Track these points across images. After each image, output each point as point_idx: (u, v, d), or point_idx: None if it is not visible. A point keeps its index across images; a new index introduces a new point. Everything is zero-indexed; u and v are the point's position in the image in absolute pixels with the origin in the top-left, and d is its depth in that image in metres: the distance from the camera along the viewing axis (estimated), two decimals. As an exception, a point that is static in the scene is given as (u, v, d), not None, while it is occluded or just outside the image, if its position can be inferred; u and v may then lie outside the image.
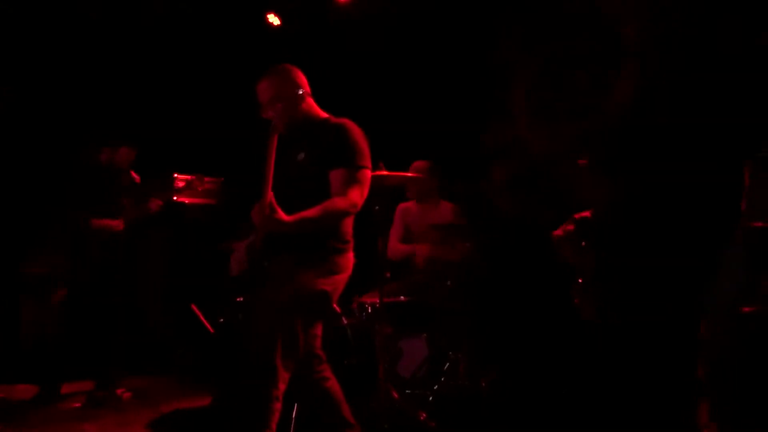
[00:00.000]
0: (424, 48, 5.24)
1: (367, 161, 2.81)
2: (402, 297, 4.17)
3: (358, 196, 2.73)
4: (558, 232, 2.16)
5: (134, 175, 4.61)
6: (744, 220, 2.40)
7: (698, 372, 1.83)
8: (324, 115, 2.97)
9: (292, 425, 3.06)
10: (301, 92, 2.89)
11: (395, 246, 4.67)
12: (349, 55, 5.49)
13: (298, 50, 5.40)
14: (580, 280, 2.05)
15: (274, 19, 5.40)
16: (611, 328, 1.90)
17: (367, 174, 2.80)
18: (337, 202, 2.68)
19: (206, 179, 4.24)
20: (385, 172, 3.53)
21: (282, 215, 2.54)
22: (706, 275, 1.82)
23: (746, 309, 2.56)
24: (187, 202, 4.55)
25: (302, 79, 2.96)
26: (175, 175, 4.17)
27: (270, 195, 2.54)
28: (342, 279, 2.81)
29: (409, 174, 4.17)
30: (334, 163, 2.74)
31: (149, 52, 5.56)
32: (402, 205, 4.79)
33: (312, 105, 2.97)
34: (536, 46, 2.00)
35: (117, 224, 4.36)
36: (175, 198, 4.29)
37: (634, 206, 1.81)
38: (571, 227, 2.15)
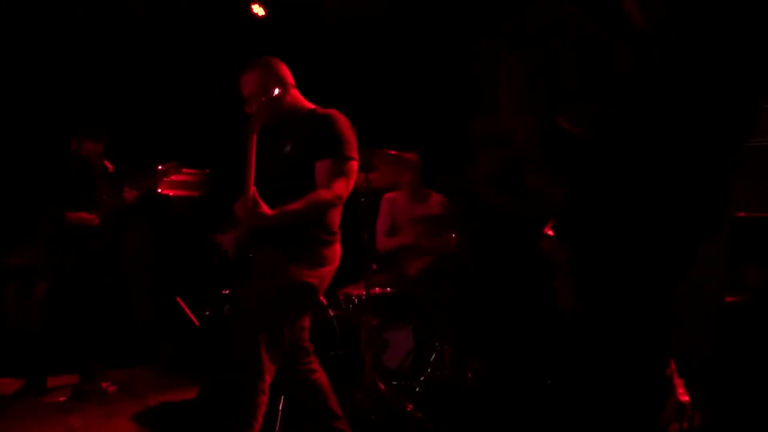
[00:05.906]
0: (411, 38, 5.22)
1: (354, 152, 2.77)
2: (388, 288, 4.17)
3: (343, 187, 2.71)
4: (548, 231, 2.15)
5: (107, 164, 4.55)
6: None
7: (666, 370, 1.83)
8: (310, 105, 2.93)
9: (279, 417, 3.06)
10: (284, 85, 2.84)
11: (382, 240, 4.61)
12: (336, 45, 5.46)
13: (283, 41, 5.37)
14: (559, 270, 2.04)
15: (258, 10, 5.36)
16: (586, 318, 1.90)
17: (354, 165, 2.77)
18: (322, 194, 2.65)
19: (187, 171, 4.19)
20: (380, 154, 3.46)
21: (265, 209, 2.52)
22: (681, 268, 1.81)
23: (730, 299, 2.58)
24: (171, 194, 4.50)
25: (285, 71, 2.92)
26: (159, 167, 4.11)
27: (252, 189, 2.51)
28: (329, 271, 2.79)
29: (404, 156, 4.00)
30: (319, 153, 2.71)
31: (132, 42, 5.49)
32: (388, 196, 4.68)
33: (297, 96, 2.93)
34: (525, 36, 1.98)
35: (92, 218, 4.30)
36: (159, 190, 4.24)
37: (607, 196, 1.80)
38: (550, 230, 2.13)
